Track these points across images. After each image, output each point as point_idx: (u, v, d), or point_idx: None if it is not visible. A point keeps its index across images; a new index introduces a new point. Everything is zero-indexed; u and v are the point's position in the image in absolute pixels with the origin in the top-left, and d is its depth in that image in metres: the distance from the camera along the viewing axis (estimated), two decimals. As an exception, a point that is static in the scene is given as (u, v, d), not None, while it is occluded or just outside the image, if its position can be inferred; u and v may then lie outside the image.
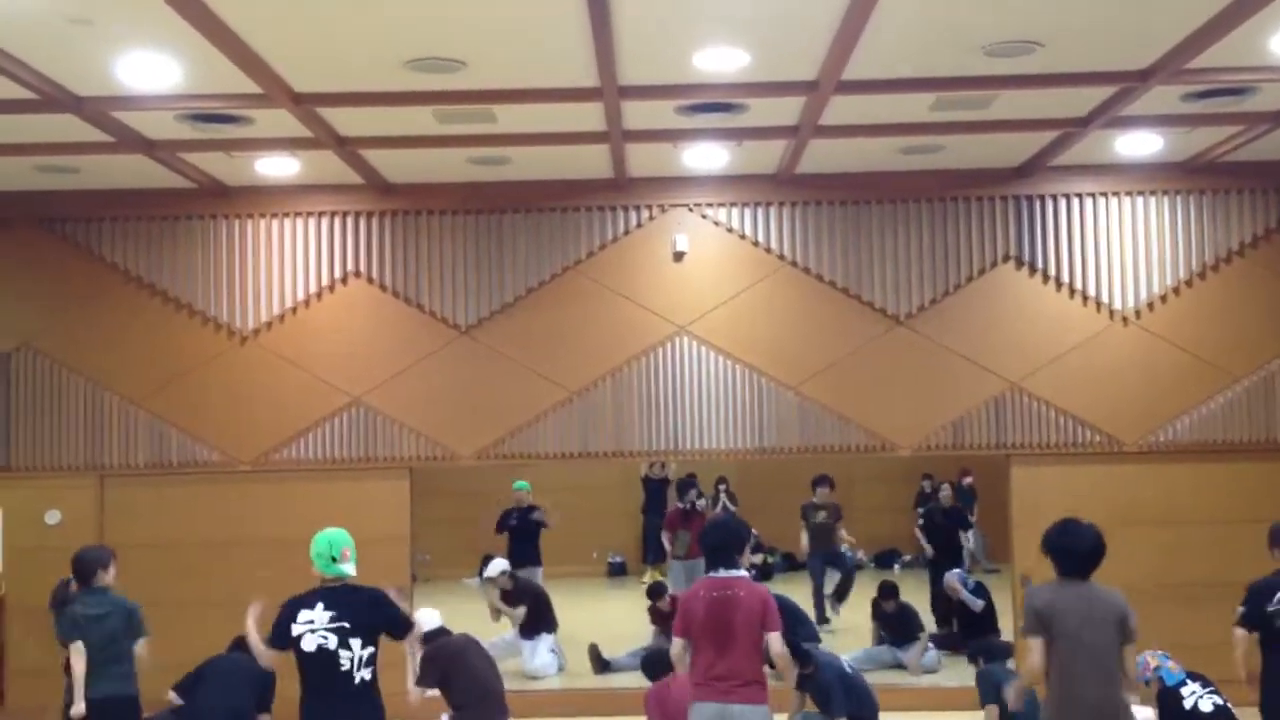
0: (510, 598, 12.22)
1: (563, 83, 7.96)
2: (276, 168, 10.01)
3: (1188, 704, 7.23)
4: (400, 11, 6.66)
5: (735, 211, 10.67)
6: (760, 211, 10.66)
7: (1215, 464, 10.42)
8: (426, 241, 10.65)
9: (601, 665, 11.78)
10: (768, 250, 10.65)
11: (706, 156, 9.95)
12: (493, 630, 12.06)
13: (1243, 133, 9.40)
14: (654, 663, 8.58)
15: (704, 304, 10.63)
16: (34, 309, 10.64)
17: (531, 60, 7.56)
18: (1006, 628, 11.09)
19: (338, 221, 10.66)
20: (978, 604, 12.09)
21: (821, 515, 14.04)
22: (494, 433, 10.60)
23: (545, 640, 11.94)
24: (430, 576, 17.36)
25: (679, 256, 10.65)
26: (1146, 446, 10.48)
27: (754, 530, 11.46)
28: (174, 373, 10.60)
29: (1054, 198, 10.58)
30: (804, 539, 14.16)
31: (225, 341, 10.63)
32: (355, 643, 6.08)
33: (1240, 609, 7.18)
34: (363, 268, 10.65)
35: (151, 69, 7.41)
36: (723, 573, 6.40)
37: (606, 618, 14.52)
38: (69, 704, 7.32)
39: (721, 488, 18.54)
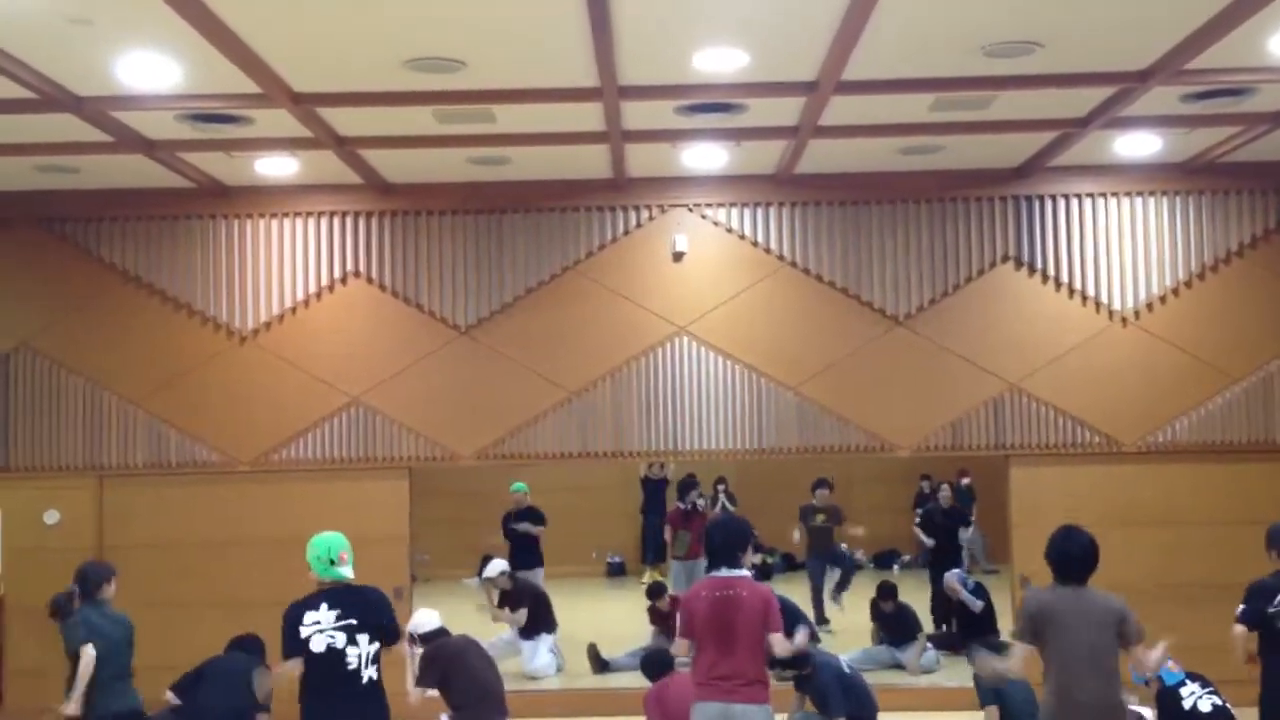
0: (509, 598, 12.21)
1: (562, 83, 7.96)
2: (276, 168, 10.01)
3: (1187, 704, 7.23)
4: (400, 11, 6.66)
5: (734, 212, 10.68)
6: (759, 212, 10.67)
7: (1214, 464, 10.43)
8: (426, 241, 10.65)
9: (601, 665, 11.78)
10: (767, 250, 10.66)
11: (706, 157, 9.95)
12: (492, 630, 12.07)
13: (1242, 133, 9.40)
14: (653, 663, 8.58)
15: (703, 304, 10.63)
16: (33, 309, 10.63)
17: (531, 60, 7.56)
18: (1006, 628, 11.08)
19: (337, 221, 10.66)
20: (977, 604, 12.09)
21: (820, 518, 14.04)
22: (493, 433, 10.60)
23: (545, 640, 11.94)
24: (429, 576, 17.36)
25: (678, 257, 10.66)
26: (1145, 447, 10.49)
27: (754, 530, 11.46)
28: (173, 373, 10.59)
29: (1053, 198, 10.58)
30: (796, 535, 14.16)
31: (224, 341, 10.63)
32: (362, 639, 6.13)
33: (1240, 608, 7.19)
34: (362, 268, 10.65)
35: (151, 69, 7.41)
36: (725, 572, 6.40)
37: (605, 618, 14.52)
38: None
39: (720, 488, 18.55)
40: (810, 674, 8.69)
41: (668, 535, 14.45)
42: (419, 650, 8.36)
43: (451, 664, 8.23)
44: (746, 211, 10.67)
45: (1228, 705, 7.26)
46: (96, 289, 10.64)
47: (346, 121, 8.78)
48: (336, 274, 10.65)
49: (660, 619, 12.04)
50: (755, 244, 10.66)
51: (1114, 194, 10.58)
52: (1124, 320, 10.55)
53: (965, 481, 17.88)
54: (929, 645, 11.84)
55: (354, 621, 6.12)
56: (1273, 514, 7.87)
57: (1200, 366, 10.48)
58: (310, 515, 10.20)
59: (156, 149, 9.19)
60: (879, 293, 10.59)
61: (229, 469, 10.57)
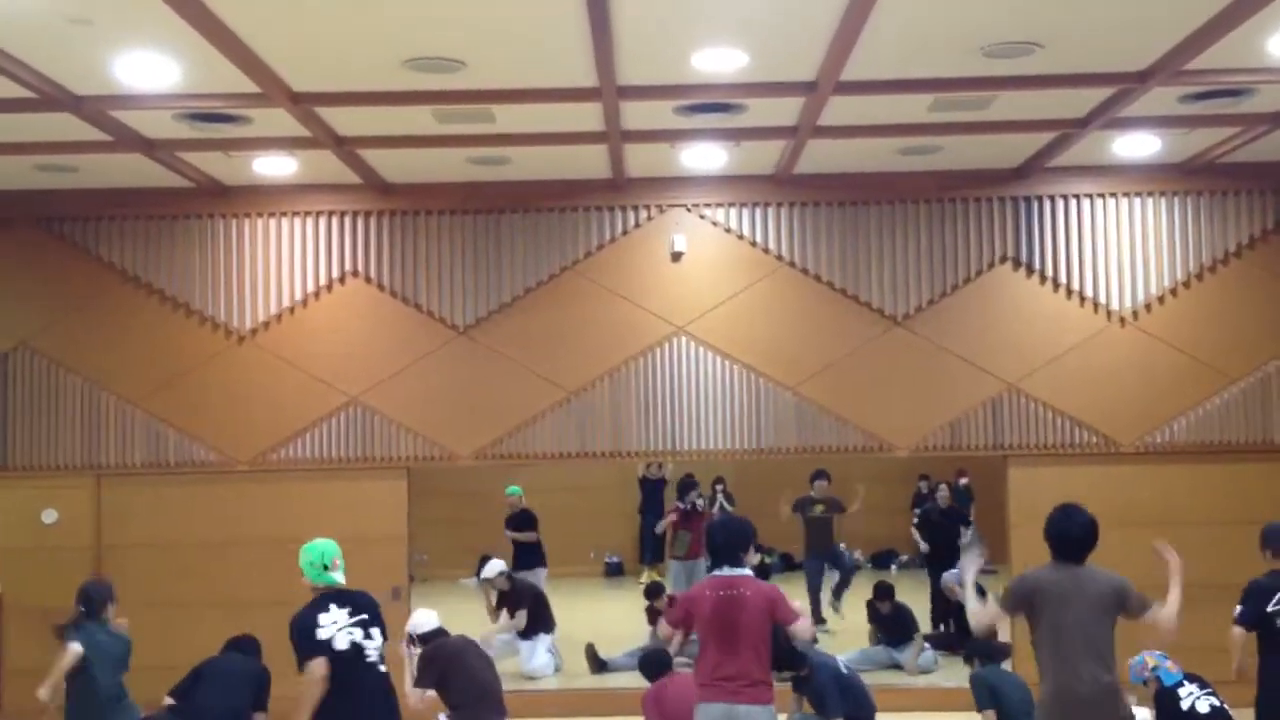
0: (508, 599, 12.21)
1: (562, 83, 7.96)
2: (275, 167, 10.00)
3: (1185, 704, 7.24)
4: (399, 11, 6.66)
5: (733, 212, 10.68)
6: (758, 212, 10.67)
7: (1212, 465, 10.44)
8: (425, 241, 10.65)
9: (599, 665, 11.78)
10: (766, 251, 10.66)
11: (705, 157, 9.95)
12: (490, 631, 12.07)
13: (1241, 134, 9.41)
14: (652, 663, 8.58)
15: (702, 304, 10.63)
16: (32, 308, 10.62)
17: (530, 60, 7.56)
18: (1004, 629, 11.08)
19: (336, 221, 10.65)
20: (975, 606, 12.07)
21: (819, 509, 14.01)
22: (492, 433, 10.60)
23: (543, 641, 11.94)
24: (428, 576, 17.33)
25: (677, 257, 10.65)
26: (1144, 447, 10.50)
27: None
28: (171, 372, 10.59)
29: (1052, 199, 10.59)
30: (785, 509, 13.97)
31: (223, 341, 10.62)
32: (375, 632, 6.44)
33: (1238, 608, 7.19)
34: (361, 267, 10.65)
35: (150, 68, 7.41)
36: (728, 571, 6.40)
37: (603, 618, 14.52)
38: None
39: (719, 488, 18.54)
40: (808, 675, 8.70)
41: (661, 529, 14.45)
42: (417, 650, 8.37)
43: (450, 664, 8.24)
44: (745, 212, 10.67)
45: (1225, 706, 7.26)
46: (95, 288, 10.63)
47: (345, 121, 8.78)
48: (335, 274, 10.64)
49: (658, 619, 12.02)
50: (754, 244, 10.66)
51: (1113, 194, 10.58)
52: (1122, 320, 10.55)
53: (963, 481, 17.90)
54: (926, 645, 11.84)
55: (365, 617, 6.41)
56: (1271, 514, 7.88)
57: (1198, 367, 10.49)
58: (309, 515, 10.24)
59: (155, 148, 9.19)
60: (878, 293, 10.60)
61: (227, 469, 10.57)
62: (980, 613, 6.14)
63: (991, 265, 10.61)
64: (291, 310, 10.64)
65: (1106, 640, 5.78)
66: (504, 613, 12.11)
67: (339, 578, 6.46)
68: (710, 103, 8.41)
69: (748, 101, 8.41)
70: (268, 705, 7.87)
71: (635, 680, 9.12)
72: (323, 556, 6.43)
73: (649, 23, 6.92)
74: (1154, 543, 6.25)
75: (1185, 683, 7.36)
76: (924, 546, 14.28)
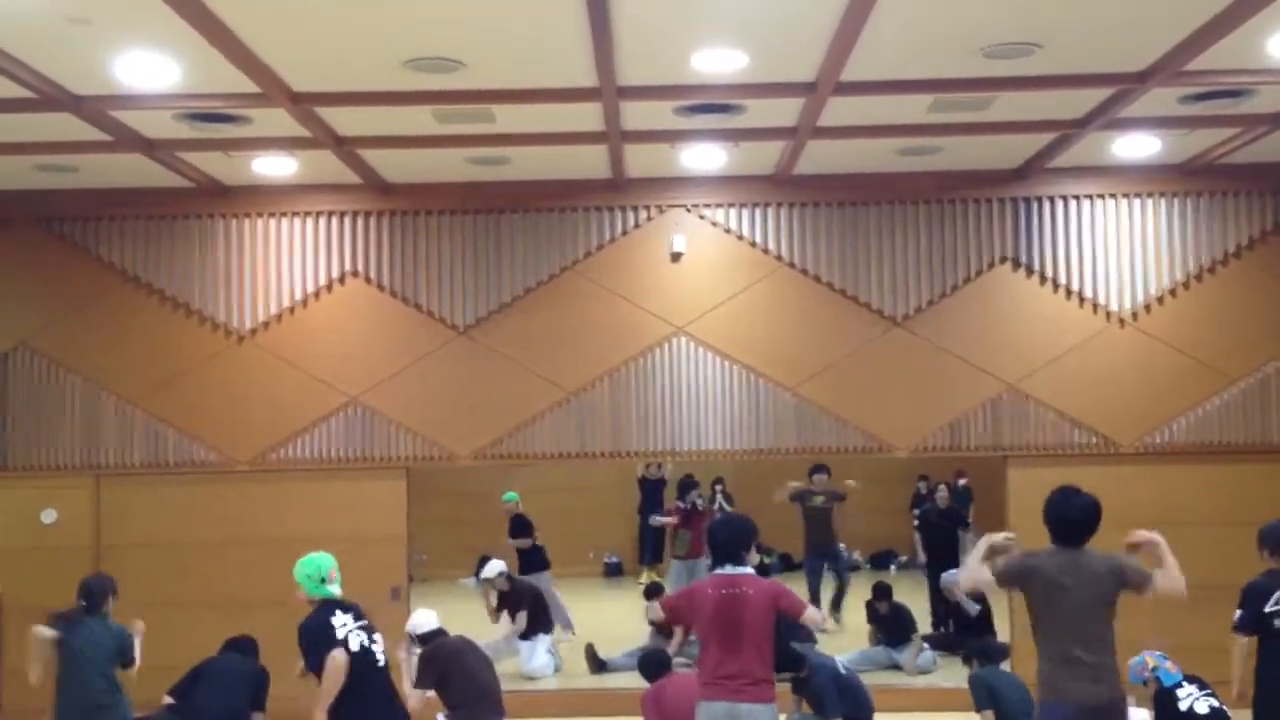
0: (507, 600, 12.21)
1: (562, 83, 7.96)
2: (274, 167, 10.00)
3: (1183, 705, 7.22)
4: (399, 11, 6.66)
5: (733, 212, 10.68)
6: (758, 212, 10.67)
7: (1212, 465, 10.44)
8: (424, 241, 10.64)
9: (598, 665, 11.78)
10: (765, 251, 10.66)
11: (704, 157, 9.95)
12: (489, 631, 12.05)
13: (1240, 135, 9.41)
14: (651, 663, 8.58)
15: (702, 305, 10.63)
16: (31, 308, 10.62)
17: (530, 60, 7.56)
18: (1003, 629, 11.09)
19: (335, 221, 10.65)
20: (974, 608, 12.09)
21: (819, 500, 14.01)
22: (491, 433, 10.60)
23: (542, 641, 11.94)
24: (427, 577, 17.31)
25: (676, 257, 10.65)
26: (1143, 448, 10.50)
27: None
28: (171, 372, 10.59)
29: (1051, 199, 10.59)
30: (781, 493, 13.91)
31: (222, 341, 10.62)
32: (378, 638, 6.64)
33: (1237, 613, 7.17)
34: (360, 267, 10.65)
35: (150, 68, 7.41)
36: (730, 569, 6.40)
37: (603, 618, 14.51)
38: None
39: (718, 488, 18.52)
40: (806, 675, 8.70)
41: (658, 520, 14.46)
42: (417, 650, 8.38)
43: (449, 664, 8.24)
44: (745, 212, 10.67)
45: (1224, 708, 7.26)
46: (95, 288, 10.63)
47: (345, 121, 8.78)
48: (335, 274, 10.64)
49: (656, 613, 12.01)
50: (753, 244, 10.66)
51: (1112, 195, 10.58)
52: (1122, 321, 10.56)
53: (962, 482, 17.89)
54: (925, 646, 11.84)
55: (366, 623, 6.61)
56: (1270, 514, 7.86)
57: (1198, 367, 10.49)
58: (308, 515, 10.28)
59: (155, 148, 9.19)
60: (877, 293, 10.60)
61: (227, 468, 10.57)
62: (975, 571, 6.06)
63: (991, 266, 10.62)
64: (291, 310, 10.64)
65: (1105, 627, 5.77)
66: (504, 616, 12.09)
67: (336, 590, 6.61)
68: (710, 103, 8.41)
69: (747, 102, 8.41)
70: (265, 705, 7.87)
71: (634, 680, 9.12)
72: (320, 570, 6.59)
73: (649, 23, 6.93)
74: (1124, 539, 6.05)
75: (1184, 683, 7.35)
76: (922, 557, 14.15)
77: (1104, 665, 5.74)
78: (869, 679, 9.70)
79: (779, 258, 10.65)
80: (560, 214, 10.65)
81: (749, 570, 6.45)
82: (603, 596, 17.70)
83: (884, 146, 9.71)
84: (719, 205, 10.67)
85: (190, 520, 10.49)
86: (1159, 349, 10.52)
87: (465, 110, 8.44)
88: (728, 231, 10.68)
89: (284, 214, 10.64)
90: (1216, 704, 7.24)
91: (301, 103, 8.09)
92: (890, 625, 12.02)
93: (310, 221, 10.65)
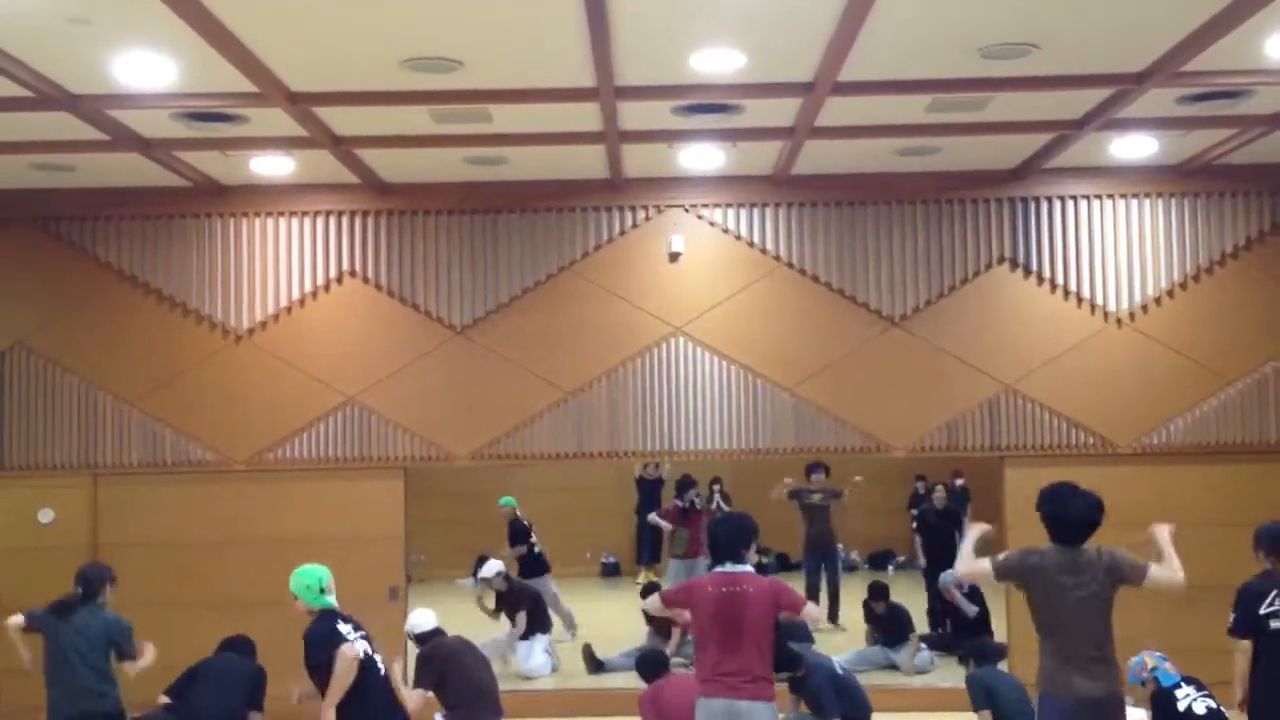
0: (506, 600, 12.21)
1: (559, 83, 7.95)
2: (272, 167, 10.00)
3: (1181, 706, 7.22)
4: (397, 11, 6.66)
5: (731, 212, 10.68)
6: (756, 212, 10.67)
7: (1209, 466, 10.45)
8: (422, 241, 10.64)
9: (595, 665, 11.77)
10: (763, 251, 10.66)
11: (702, 157, 9.95)
12: (487, 631, 12.06)
13: (1238, 135, 9.41)
14: (648, 664, 8.57)
15: (699, 305, 10.63)
16: (28, 307, 10.61)
17: (528, 60, 7.56)
18: (1000, 629, 11.10)
19: (333, 221, 10.65)
20: (972, 610, 12.08)
21: (817, 497, 14.01)
22: (489, 433, 10.59)
23: (540, 641, 11.94)
24: (424, 577, 17.33)
25: (674, 257, 10.65)
26: (1140, 448, 10.50)
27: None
28: (169, 372, 10.58)
29: (1049, 200, 10.59)
30: (779, 490, 13.89)
31: (220, 341, 10.61)
32: (375, 645, 6.78)
33: (1231, 618, 7.17)
34: (358, 267, 10.64)
35: (148, 68, 7.40)
36: (730, 568, 6.41)
37: (600, 618, 14.51)
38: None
39: (716, 488, 18.53)
40: (804, 676, 8.70)
41: (656, 520, 14.46)
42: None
43: (447, 664, 8.26)
44: (743, 212, 10.67)
45: (1222, 709, 7.26)
46: (92, 288, 10.62)
47: (343, 121, 8.77)
48: (332, 273, 10.64)
49: (655, 620, 12.02)
50: (751, 244, 10.67)
51: (1110, 196, 10.59)
52: (1119, 322, 10.56)
53: (959, 482, 17.90)
54: (922, 646, 11.84)
55: (365, 633, 6.75)
56: (1267, 515, 7.88)
57: (1195, 368, 10.50)
58: (306, 515, 10.28)
59: (152, 148, 9.18)
60: (875, 294, 10.60)
61: (224, 468, 10.56)
62: (969, 563, 6.07)
63: (989, 266, 10.62)
64: (289, 310, 10.63)
65: (1104, 623, 5.79)
66: (507, 619, 12.09)
67: (333, 601, 6.73)
68: (708, 103, 8.41)
69: (745, 102, 8.41)
70: (263, 705, 7.87)
71: (632, 680, 9.12)
72: (319, 581, 6.71)
73: (647, 22, 6.92)
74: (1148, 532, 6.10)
75: (1182, 684, 7.35)
76: (923, 560, 14.04)
77: (1103, 661, 5.77)
78: (866, 679, 9.71)
79: (777, 258, 10.65)
80: (558, 214, 10.64)
81: (749, 569, 6.46)
82: (600, 596, 17.70)
83: (882, 147, 9.71)
84: (717, 205, 10.67)
85: (188, 520, 10.49)
86: (1156, 349, 10.52)
87: (463, 110, 8.44)
88: (726, 231, 10.68)
89: (281, 214, 10.63)
90: (1214, 705, 7.24)
91: (299, 102, 8.08)
92: (887, 625, 12.03)
93: (308, 221, 10.65)
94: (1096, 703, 5.73)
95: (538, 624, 12.00)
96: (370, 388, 10.58)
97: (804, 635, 11.41)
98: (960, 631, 12.01)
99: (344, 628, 6.64)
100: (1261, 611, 7.06)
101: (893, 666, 11.69)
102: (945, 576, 12.44)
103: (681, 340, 10.64)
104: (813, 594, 13.85)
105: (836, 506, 14.23)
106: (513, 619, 11.95)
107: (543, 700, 10.69)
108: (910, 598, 13.10)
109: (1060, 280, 10.56)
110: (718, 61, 7.59)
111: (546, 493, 16.12)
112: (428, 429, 10.58)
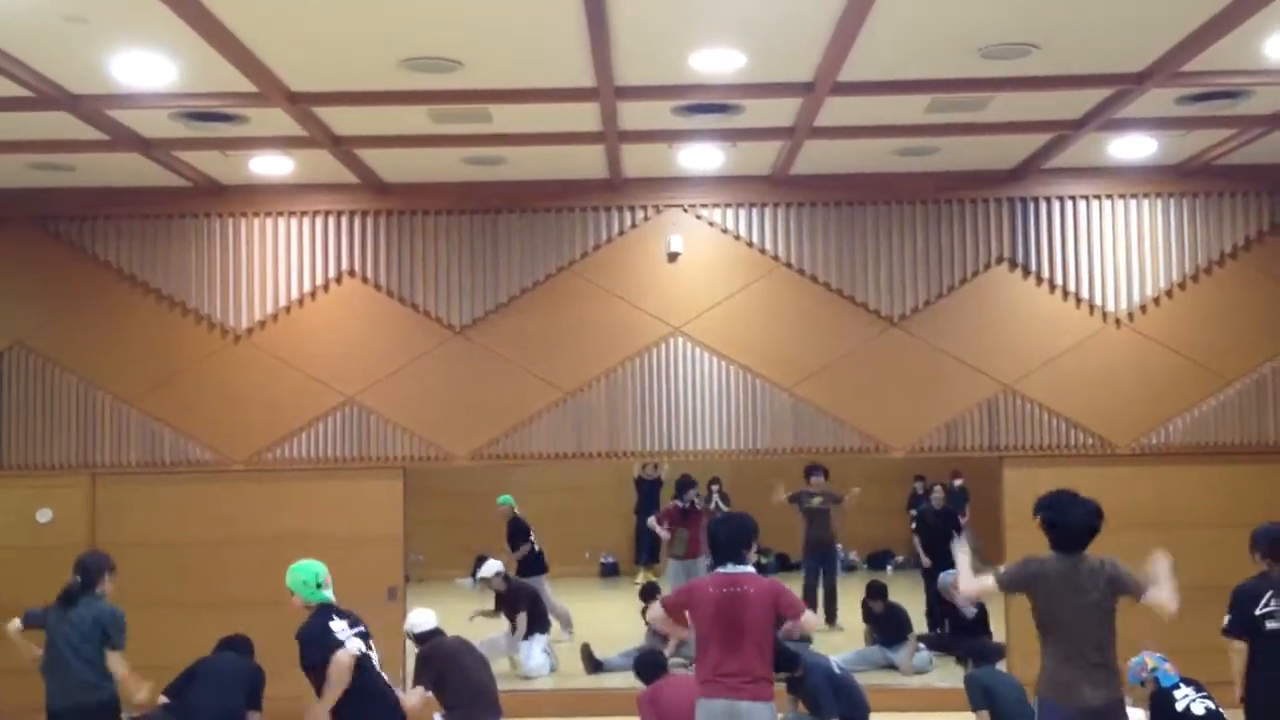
0: (505, 601, 12.20)
1: (559, 83, 7.95)
2: (271, 167, 9.99)
3: (1180, 706, 7.24)
4: (396, 11, 6.66)
5: (730, 212, 10.68)
6: (755, 212, 10.67)
7: (1208, 466, 10.45)
8: (421, 241, 10.64)
9: (594, 665, 11.78)
10: (762, 251, 10.66)
11: (702, 157, 9.95)
12: (484, 631, 12.06)
13: (1237, 136, 9.42)
14: (647, 665, 8.57)
15: (699, 305, 10.63)
16: (27, 307, 10.61)
17: (528, 60, 7.55)
18: (999, 630, 11.10)
19: (332, 221, 10.64)
20: (970, 611, 12.08)
21: (817, 500, 14.03)
22: (488, 433, 10.59)
23: (538, 641, 11.94)
24: (423, 577, 17.33)
25: (673, 257, 10.65)
26: (1139, 449, 10.51)
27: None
28: (167, 371, 10.57)
29: (1048, 200, 10.60)
30: (779, 494, 13.93)
31: (219, 340, 10.61)
32: (372, 644, 6.69)
33: (1225, 620, 7.17)
34: (357, 267, 10.64)
35: (147, 67, 7.40)
36: (731, 569, 6.42)
37: (599, 618, 14.52)
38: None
39: (714, 488, 18.55)
40: (801, 676, 8.70)
41: (654, 525, 14.46)
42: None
43: (446, 664, 8.26)
44: (742, 212, 10.67)
45: (1220, 710, 7.27)
46: (91, 287, 10.61)
47: (342, 121, 8.77)
48: (331, 273, 10.63)
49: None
50: (750, 245, 10.66)
51: (1109, 196, 10.59)
52: (1118, 322, 10.56)
53: (958, 483, 17.91)
54: (921, 646, 11.85)
55: (363, 629, 6.67)
56: (1266, 516, 7.88)
57: (1194, 368, 10.50)
58: (304, 515, 10.27)
59: (152, 147, 9.18)
60: (874, 294, 10.60)
61: (223, 468, 10.55)
62: (972, 581, 6.09)
63: (988, 266, 10.62)
64: (288, 310, 10.63)
65: (1106, 630, 5.80)
66: (506, 619, 12.09)
67: (330, 595, 6.69)
68: (707, 103, 8.41)
69: (745, 102, 8.41)
70: (262, 704, 7.86)
71: (630, 681, 9.13)
72: (315, 576, 6.67)
73: (647, 23, 6.92)
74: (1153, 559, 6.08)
75: (1182, 685, 7.37)
76: (925, 561, 13.99)
77: (1104, 668, 5.78)
78: (864, 679, 9.72)
79: (776, 258, 10.65)
80: (557, 214, 10.64)
81: (749, 569, 6.47)
82: (599, 597, 17.71)
83: (881, 147, 9.71)
84: (716, 205, 10.67)
85: (186, 520, 10.48)
86: (1155, 350, 10.53)
87: (462, 110, 8.44)
88: (725, 231, 10.68)
89: (280, 213, 10.63)
90: (1212, 706, 7.25)
91: (298, 102, 8.08)
92: (886, 625, 12.03)
93: (307, 221, 10.64)
94: (1097, 711, 5.74)
95: (536, 624, 12.00)
96: (369, 388, 10.58)
97: (801, 634, 11.42)
98: (959, 632, 12.01)
99: (338, 624, 6.56)
100: (1257, 613, 7.07)
101: (891, 666, 11.70)
102: (945, 577, 12.43)
103: (680, 340, 10.64)
104: (810, 595, 13.87)
105: (836, 511, 14.25)
106: (513, 620, 11.94)
107: (541, 700, 10.69)
108: (908, 598, 13.11)
109: (1059, 280, 10.57)
110: (717, 61, 7.59)
111: (545, 493, 16.11)
112: (427, 429, 10.57)
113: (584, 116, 8.66)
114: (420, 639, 8.49)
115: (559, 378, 10.58)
